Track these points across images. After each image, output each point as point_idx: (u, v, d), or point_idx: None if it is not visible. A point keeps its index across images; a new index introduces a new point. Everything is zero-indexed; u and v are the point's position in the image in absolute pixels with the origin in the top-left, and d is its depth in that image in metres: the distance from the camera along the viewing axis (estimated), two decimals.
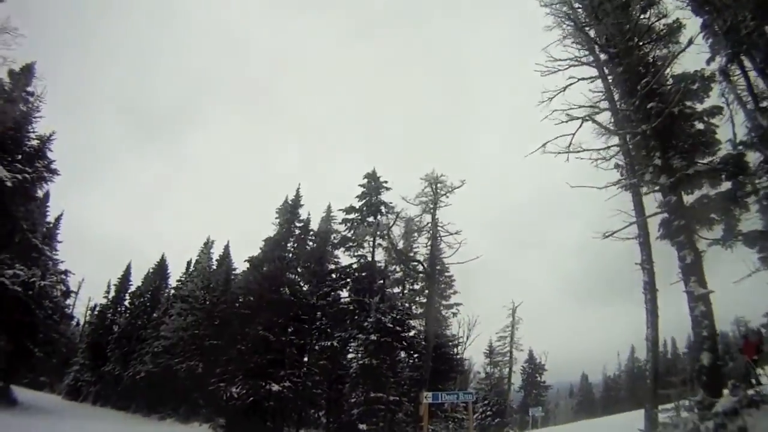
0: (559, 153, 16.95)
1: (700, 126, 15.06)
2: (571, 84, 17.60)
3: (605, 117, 17.56)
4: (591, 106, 17.62)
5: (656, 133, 14.48)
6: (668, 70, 15.54)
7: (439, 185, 27.81)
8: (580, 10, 18.38)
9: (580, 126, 17.16)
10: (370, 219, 29.74)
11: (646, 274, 15.33)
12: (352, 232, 29.80)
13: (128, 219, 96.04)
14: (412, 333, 28.05)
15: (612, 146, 17.33)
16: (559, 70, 17.87)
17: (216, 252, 38.10)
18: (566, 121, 17.18)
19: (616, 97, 17.29)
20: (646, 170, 15.12)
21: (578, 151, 17.08)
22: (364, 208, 29.99)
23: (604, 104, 17.61)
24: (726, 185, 13.89)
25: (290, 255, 28.24)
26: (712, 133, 14.91)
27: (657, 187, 15.14)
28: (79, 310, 45.58)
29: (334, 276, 29.47)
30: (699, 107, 14.98)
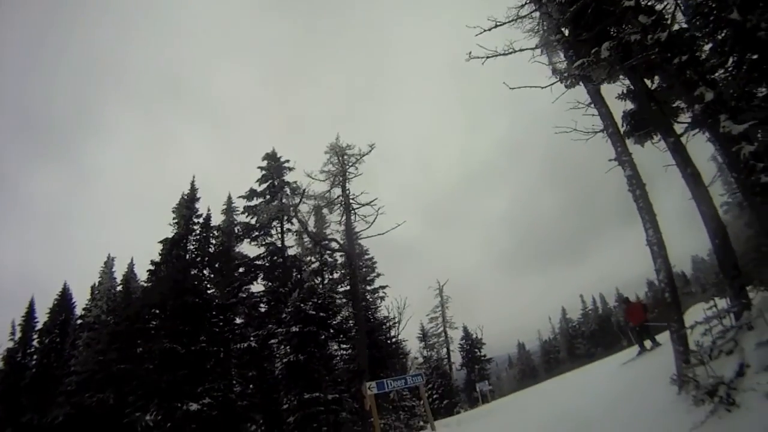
0: (488, 57, 14.97)
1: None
2: None
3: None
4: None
5: None
6: None
7: (345, 156, 25.35)
8: None
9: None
10: (275, 203, 26.83)
11: (627, 168, 13.10)
12: (255, 218, 26.95)
13: (25, 246, 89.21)
14: (339, 319, 25.18)
15: (550, 42, 15.63)
16: None
17: (120, 270, 34.63)
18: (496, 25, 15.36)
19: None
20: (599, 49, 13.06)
21: (510, 53, 15.09)
22: (267, 193, 27.22)
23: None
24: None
25: (193, 255, 24.99)
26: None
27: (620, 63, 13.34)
28: None
29: (242, 270, 26.55)
30: None
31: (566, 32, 15.00)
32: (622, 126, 13.83)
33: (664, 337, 15.91)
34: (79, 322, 34.32)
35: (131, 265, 33.53)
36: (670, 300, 11.84)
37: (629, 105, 14.37)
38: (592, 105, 14.10)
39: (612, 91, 14.47)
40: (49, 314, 36.81)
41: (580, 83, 14.69)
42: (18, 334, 38.13)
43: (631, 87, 13.90)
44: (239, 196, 28.35)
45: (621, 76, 14.20)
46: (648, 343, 15.80)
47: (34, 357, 36.91)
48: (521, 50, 15.38)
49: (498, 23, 15.62)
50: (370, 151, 25.12)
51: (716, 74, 11.64)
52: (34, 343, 37.56)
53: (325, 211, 26.02)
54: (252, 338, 23.75)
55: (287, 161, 28.39)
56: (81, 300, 36.95)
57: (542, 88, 14.76)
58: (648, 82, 13.25)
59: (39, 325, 37.47)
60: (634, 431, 8.16)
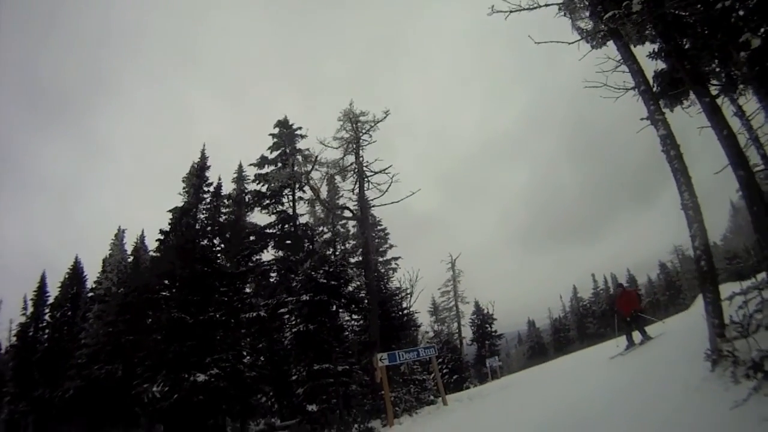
0: (512, 11, 14.14)
1: None
2: None
3: None
4: None
5: None
6: None
7: (359, 123, 24.53)
8: None
9: None
10: (287, 170, 25.93)
11: (661, 127, 12.16)
12: (266, 186, 26.36)
13: (36, 220, 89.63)
14: (351, 288, 24.29)
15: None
16: None
17: (131, 243, 34.44)
18: None
19: None
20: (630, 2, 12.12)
21: (535, 8, 14.22)
22: (279, 160, 26.69)
23: None
24: None
25: (203, 224, 24.44)
26: None
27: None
28: (2, 335, 42.65)
29: (252, 238, 26.01)
30: None
31: None
32: (654, 87, 12.91)
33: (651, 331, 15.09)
34: (90, 295, 34.18)
35: (141, 237, 33.43)
36: (705, 268, 10.87)
37: (660, 65, 13.48)
38: (622, 62, 13.18)
39: (642, 52, 13.60)
40: (61, 288, 36.74)
41: (607, 44, 13.80)
42: (30, 309, 38.18)
43: (663, 45, 12.98)
44: (250, 164, 27.96)
45: (649, 41, 13.34)
46: (637, 336, 14.74)
47: (46, 331, 36.93)
48: (546, 5, 14.49)
49: None
50: (385, 117, 24.19)
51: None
52: (46, 317, 37.53)
53: (337, 178, 25.30)
54: (262, 308, 23.17)
55: (299, 128, 27.72)
56: (92, 274, 36.89)
57: (569, 43, 13.88)
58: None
59: (51, 300, 37.46)
60: (667, 411, 7.21)
